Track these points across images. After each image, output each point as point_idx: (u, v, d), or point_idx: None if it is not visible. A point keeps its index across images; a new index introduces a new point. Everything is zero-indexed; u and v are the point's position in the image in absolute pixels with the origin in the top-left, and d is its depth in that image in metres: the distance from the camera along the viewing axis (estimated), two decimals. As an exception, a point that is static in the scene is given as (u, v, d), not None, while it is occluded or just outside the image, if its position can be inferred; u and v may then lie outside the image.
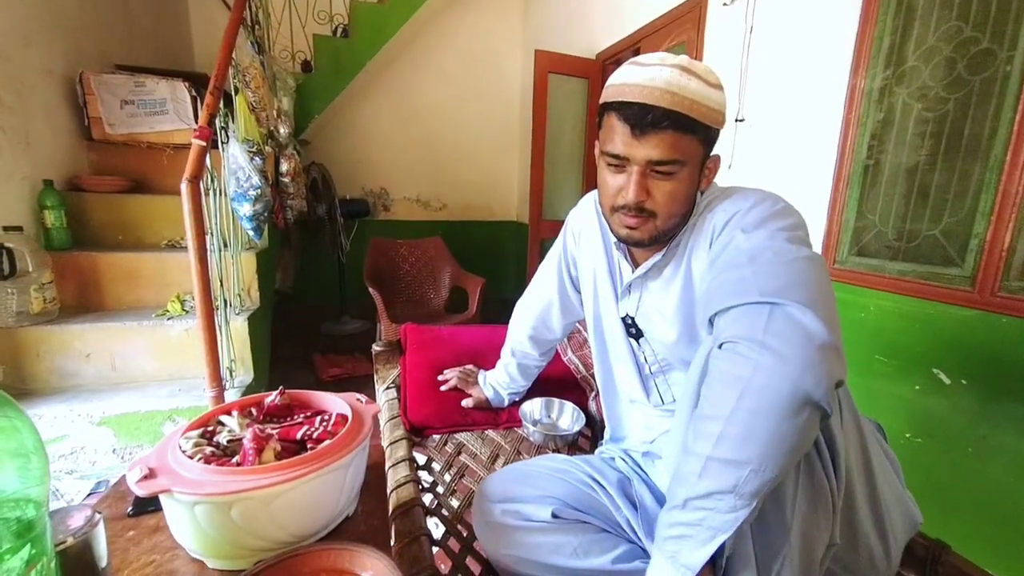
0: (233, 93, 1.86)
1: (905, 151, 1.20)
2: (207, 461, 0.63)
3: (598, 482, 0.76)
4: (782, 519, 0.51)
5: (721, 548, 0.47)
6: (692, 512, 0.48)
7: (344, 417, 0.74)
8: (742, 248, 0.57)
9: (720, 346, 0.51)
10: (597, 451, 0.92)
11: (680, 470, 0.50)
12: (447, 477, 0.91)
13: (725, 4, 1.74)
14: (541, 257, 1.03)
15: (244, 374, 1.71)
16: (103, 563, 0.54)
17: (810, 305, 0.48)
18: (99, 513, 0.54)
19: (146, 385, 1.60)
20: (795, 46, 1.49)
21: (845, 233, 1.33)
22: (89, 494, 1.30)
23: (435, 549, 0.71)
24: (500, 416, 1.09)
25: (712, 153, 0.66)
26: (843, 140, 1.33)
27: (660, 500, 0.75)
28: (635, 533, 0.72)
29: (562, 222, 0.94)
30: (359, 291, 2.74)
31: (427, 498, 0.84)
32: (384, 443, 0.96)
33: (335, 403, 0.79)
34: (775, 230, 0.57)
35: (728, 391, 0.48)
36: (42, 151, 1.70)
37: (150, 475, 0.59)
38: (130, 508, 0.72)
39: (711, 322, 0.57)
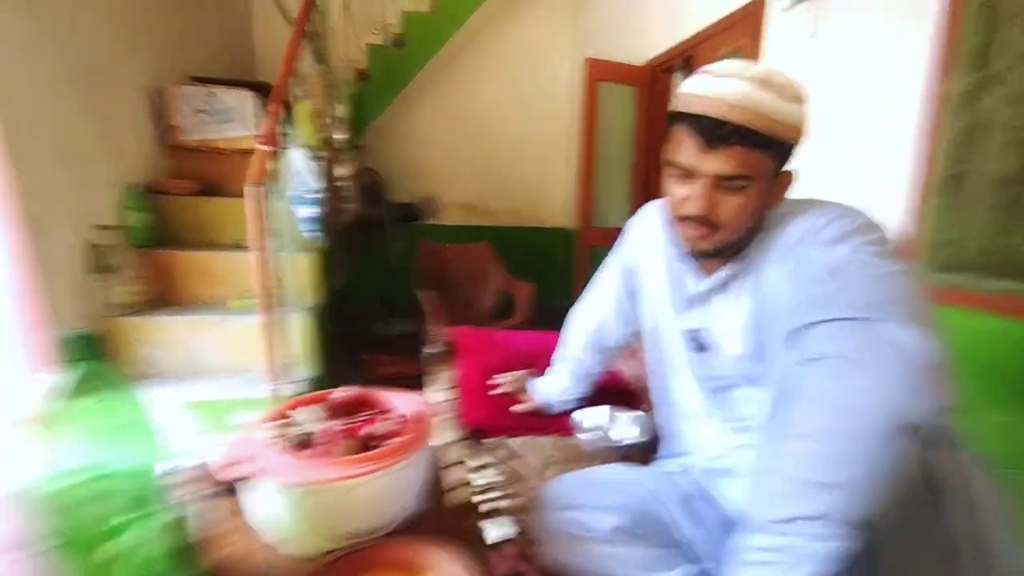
0: (294, 101, 1.96)
1: (995, 160, 1.12)
2: (285, 452, 0.66)
3: (659, 497, 0.75)
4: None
5: None
6: (774, 537, 0.45)
7: (410, 416, 0.76)
8: (822, 263, 0.55)
9: (805, 363, 0.49)
10: (654, 464, 0.91)
11: (760, 492, 0.48)
12: (500, 481, 0.92)
13: (784, 9, 1.68)
14: (590, 264, 1.02)
15: (303, 369, 1.79)
16: (194, 540, 0.58)
17: (908, 321, 0.45)
18: (191, 492, 0.58)
19: (217, 376, 1.71)
20: (862, 52, 1.42)
21: (925, 248, 1.25)
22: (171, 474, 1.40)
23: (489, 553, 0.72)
24: (552, 423, 1.09)
25: (786, 168, 0.64)
26: (923, 150, 1.25)
27: (723, 519, 0.73)
28: (697, 552, 0.70)
29: (612, 229, 0.92)
30: (407, 294, 2.81)
31: (480, 501, 0.85)
32: (439, 445, 0.98)
33: (401, 402, 0.81)
34: (858, 244, 0.55)
35: (817, 410, 0.45)
36: (129, 157, 1.86)
37: (235, 462, 0.63)
38: (210, 491, 0.77)
39: (790, 339, 0.55)
